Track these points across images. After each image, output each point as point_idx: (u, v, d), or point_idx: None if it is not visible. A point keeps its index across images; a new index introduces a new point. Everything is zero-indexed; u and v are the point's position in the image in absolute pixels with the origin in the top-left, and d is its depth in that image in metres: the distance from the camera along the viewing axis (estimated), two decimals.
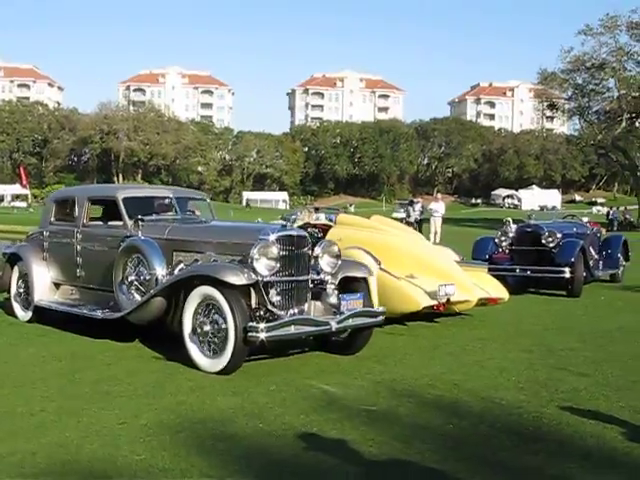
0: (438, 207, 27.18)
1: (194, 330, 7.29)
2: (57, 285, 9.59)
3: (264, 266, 7.20)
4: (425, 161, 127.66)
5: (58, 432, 5.27)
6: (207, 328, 7.16)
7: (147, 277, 7.94)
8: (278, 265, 7.27)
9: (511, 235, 14.28)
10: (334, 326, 7.30)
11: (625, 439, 5.28)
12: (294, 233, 7.67)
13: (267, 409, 5.92)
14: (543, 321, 10.29)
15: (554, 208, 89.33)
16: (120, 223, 8.85)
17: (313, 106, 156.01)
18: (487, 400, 6.24)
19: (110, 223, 9.27)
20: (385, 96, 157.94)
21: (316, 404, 6.05)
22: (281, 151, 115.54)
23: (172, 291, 7.72)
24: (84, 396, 6.25)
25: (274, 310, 7.23)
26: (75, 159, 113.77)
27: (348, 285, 7.93)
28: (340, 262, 7.92)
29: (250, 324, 6.86)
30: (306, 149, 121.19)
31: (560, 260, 13.32)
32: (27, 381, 6.74)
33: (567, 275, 13.10)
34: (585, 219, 17.31)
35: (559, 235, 13.76)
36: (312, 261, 7.72)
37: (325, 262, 7.83)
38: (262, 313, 7.20)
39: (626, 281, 15.53)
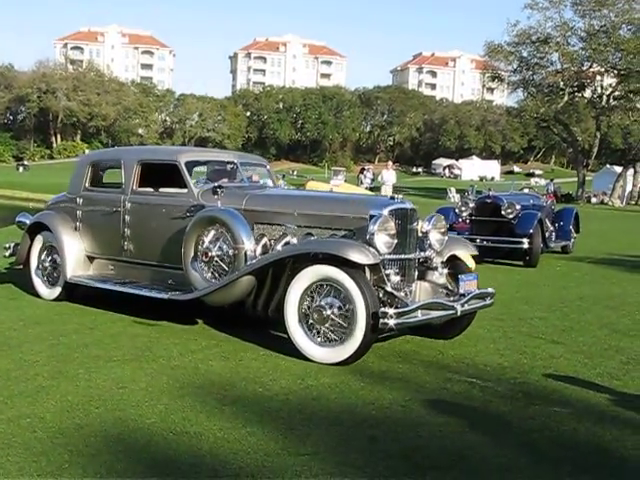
0: (389, 176, 27.42)
1: (302, 315, 6.49)
2: (91, 259, 8.66)
3: (383, 243, 6.51)
4: (367, 129, 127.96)
5: (59, 396, 5.28)
6: (327, 313, 6.30)
7: (231, 253, 7.09)
8: (395, 242, 6.65)
9: (471, 206, 14.56)
10: (459, 310, 6.72)
11: (610, 404, 5.55)
12: (407, 206, 7.00)
13: (262, 374, 6.01)
14: (509, 290, 10.56)
15: (493, 179, 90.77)
16: (179, 190, 7.99)
17: (255, 70, 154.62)
18: (473, 366, 6.44)
19: (164, 190, 8.37)
20: (328, 62, 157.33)
21: (309, 369, 6.17)
22: (223, 115, 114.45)
23: (266, 270, 6.94)
24: (75, 360, 6.25)
25: (394, 292, 6.59)
26: (11, 118, 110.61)
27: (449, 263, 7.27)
28: (447, 239, 7.33)
29: (382, 309, 6.16)
30: (248, 114, 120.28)
31: (519, 231, 13.67)
32: (12, 345, 6.70)
33: (525, 246, 13.48)
34: (526, 190, 17.77)
35: (518, 207, 14.08)
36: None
37: (434, 238, 7.18)
38: (381, 296, 6.52)
39: (576, 252, 16.02)
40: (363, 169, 30.94)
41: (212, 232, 7.21)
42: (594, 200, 48.77)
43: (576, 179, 51.67)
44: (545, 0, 44.02)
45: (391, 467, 4.22)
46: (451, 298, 6.93)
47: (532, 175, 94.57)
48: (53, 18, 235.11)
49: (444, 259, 7.24)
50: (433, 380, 6.02)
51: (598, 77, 46.89)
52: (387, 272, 6.63)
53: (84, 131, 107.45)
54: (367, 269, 6.46)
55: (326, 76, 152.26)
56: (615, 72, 44.08)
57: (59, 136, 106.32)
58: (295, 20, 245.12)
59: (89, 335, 7.18)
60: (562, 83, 46.25)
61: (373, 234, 6.47)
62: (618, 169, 52.19)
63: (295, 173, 36.04)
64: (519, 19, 74.99)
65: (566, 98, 46.50)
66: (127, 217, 8.19)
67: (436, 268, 7.16)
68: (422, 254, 7.10)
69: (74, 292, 8.63)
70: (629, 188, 50.78)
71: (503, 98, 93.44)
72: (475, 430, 4.89)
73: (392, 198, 7.09)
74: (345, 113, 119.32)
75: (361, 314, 6.12)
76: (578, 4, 43.31)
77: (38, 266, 8.92)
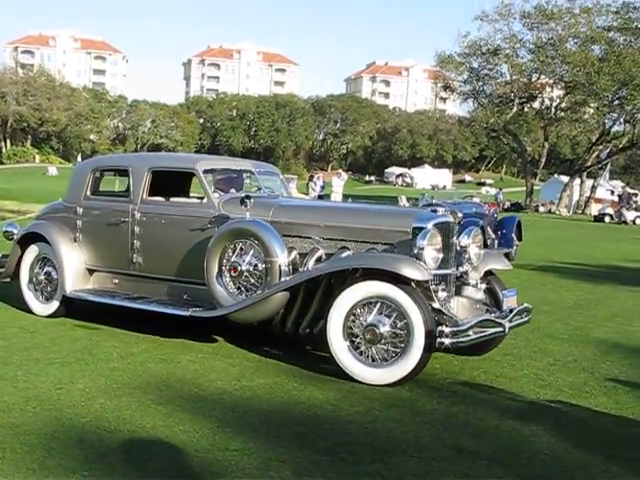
0: (339, 183, 27.70)
1: (348, 335, 6.20)
2: (91, 272, 8.14)
3: (431, 258, 6.28)
4: (321, 137, 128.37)
5: None
6: (380, 332, 6.03)
7: (261, 267, 6.71)
8: (441, 257, 6.44)
9: None
10: (507, 327, 6.51)
11: (532, 402, 5.81)
12: (449, 220, 6.78)
13: (199, 375, 6.16)
14: None
15: (445, 187, 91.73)
16: (195, 200, 7.84)
17: (209, 77, 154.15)
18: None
19: (176, 200, 8.03)
20: (282, 70, 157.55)
21: (245, 371, 6.33)
22: (176, 122, 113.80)
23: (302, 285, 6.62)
24: (15, 362, 6.33)
25: (442, 310, 6.32)
26: None
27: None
28: (483, 253, 7.11)
29: (439, 328, 5.93)
30: (202, 121, 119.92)
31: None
32: None
33: None
34: (476, 199, 18.14)
35: (460, 215, 14.34)
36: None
37: (473, 253, 6.92)
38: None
39: (518, 259, 16.39)
40: (312, 176, 31.14)
41: (240, 245, 6.83)
42: (542, 209, 49.65)
43: (524, 188, 52.52)
44: (495, 12, 44.90)
45: (317, 462, 4.40)
46: (494, 315, 6.72)
47: (483, 184, 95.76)
48: (2, 22, 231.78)
49: (481, 274, 7.04)
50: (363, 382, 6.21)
51: (547, 88, 47.82)
52: (434, 289, 6.38)
53: (34, 136, 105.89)
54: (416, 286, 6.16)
55: (280, 84, 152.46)
56: (562, 84, 45.00)
57: (9, 141, 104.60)
58: (249, 27, 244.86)
59: (30, 339, 7.24)
60: (512, 94, 47.08)
61: (423, 249, 6.21)
62: (565, 179, 53.21)
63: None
64: (470, 30, 76.05)
65: (515, 109, 47.36)
66: (136, 228, 7.69)
67: (474, 284, 6.95)
68: (460, 269, 6.87)
69: (71, 307, 8.15)
70: (576, 197, 51.80)
71: (455, 108, 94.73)
72: (401, 427, 5.11)
73: (434, 211, 6.89)
74: (298, 121, 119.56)
75: (418, 332, 5.88)
76: (526, 17, 44.16)
77: (30, 280, 8.36)
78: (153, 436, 4.72)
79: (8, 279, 8.69)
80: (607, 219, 39.83)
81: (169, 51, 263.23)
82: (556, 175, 63.45)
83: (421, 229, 6.36)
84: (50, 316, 8.10)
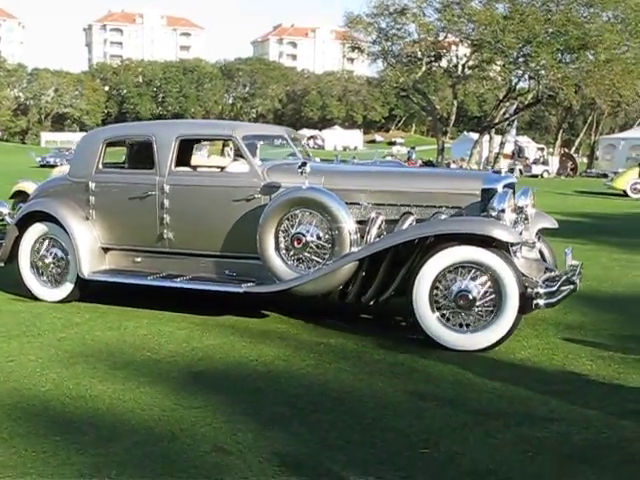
0: None
1: (435, 303, 6.06)
2: (105, 250, 7.60)
3: (510, 220, 6.27)
4: (230, 101, 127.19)
5: None
6: (473, 297, 5.91)
7: (327, 237, 6.45)
8: (514, 218, 6.49)
9: None
10: (578, 284, 6.61)
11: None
12: (515, 181, 6.92)
13: (148, 340, 6.28)
14: None
15: (356, 148, 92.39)
16: (236, 169, 7.35)
17: (112, 43, 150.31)
18: (349, 325, 6.92)
19: (206, 169, 7.75)
20: (187, 34, 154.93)
21: (193, 333, 6.49)
22: (81, 90, 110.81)
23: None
24: None
25: (522, 270, 6.17)
26: None
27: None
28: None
29: (535, 290, 5.93)
30: (107, 88, 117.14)
31: None
32: None
33: None
34: (394, 158, 18.49)
35: None
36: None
37: (529, 212, 7.00)
38: None
39: None
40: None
41: (299, 215, 6.51)
42: (453, 166, 50.52)
43: (436, 146, 53.39)
44: None
45: (278, 413, 4.63)
46: (556, 272, 6.84)
47: (394, 144, 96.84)
48: None
49: (535, 233, 7.12)
50: (310, 337, 6.46)
51: (453, 47, 48.51)
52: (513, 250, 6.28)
53: None
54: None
55: (186, 48, 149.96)
56: (469, 42, 45.70)
57: None
58: None
59: None
60: (420, 53, 47.55)
61: (503, 210, 6.15)
62: (475, 136, 54.37)
63: None
64: None
65: (424, 68, 47.88)
66: (166, 202, 7.18)
67: (530, 243, 6.84)
68: (517, 229, 6.65)
69: (86, 291, 7.66)
70: (485, 154, 53.03)
71: (363, 68, 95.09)
72: (352, 376, 5.38)
73: (497, 172, 6.97)
74: (207, 86, 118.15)
75: (512, 295, 5.85)
76: None
77: (33, 264, 7.74)
78: (116, 399, 4.85)
79: (2, 264, 8.01)
80: (517, 173, 41.01)
81: (68, 16, 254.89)
82: (466, 132, 64.86)
83: (490, 190, 6.40)
84: (62, 301, 7.59)
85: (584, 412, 4.74)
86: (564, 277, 6.54)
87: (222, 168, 7.75)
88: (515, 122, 53.81)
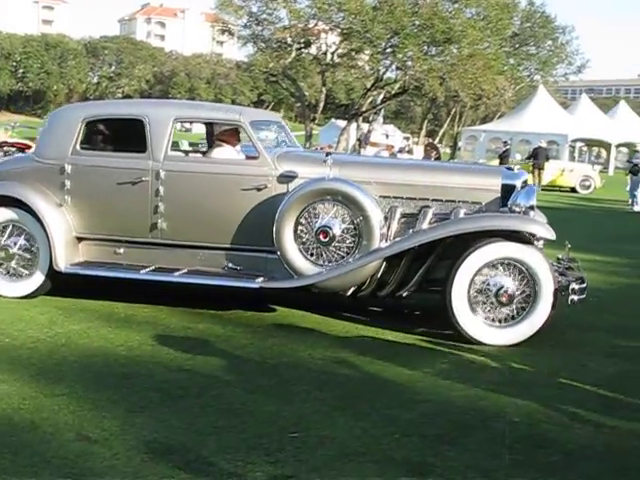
0: None
1: (471, 297, 6.03)
2: (79, 240, 6.89)
3: (534, 216, 6.38)
4: (95, 80, 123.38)
5: None
6: (512, 292, 5.96)
7: (353, 230, 6.24)
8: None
9: None
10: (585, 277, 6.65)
11: (342, 330, 6.23)
12: (526, 177, 7.01)
13: (7, 325, 5.99)
14: None
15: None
16: (231, 156, 6.92)
17: None
18: (215, 309, 6.85)
19: (195, 155, 7.28)
20: (50, 8, 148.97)
21: (55, 318, 6.27)
22: None
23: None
24: None
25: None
26: None
27: None
28: None
29: (572, 286, 6.11)
30: None
31: None
32: None
33: None
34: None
35: None
36: None
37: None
38: None
39: None
40: None
41: (321, 207, 6.25)
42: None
43: (304, 132, 53.71)
44: None
45: (146, 398, 4.52)
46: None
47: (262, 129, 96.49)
48: None
49: None
50: (178, 322, 6.36)
51: (323, 35, 48.82)
52: None
53: None
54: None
55: (48, 22, 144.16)
56: (339, 31, 46.11)
57: None
58: None
59: None
60: (290, 39, 47.55)
61: (532, 207, 6.29)
62: (342, 123, 54.98)
63: (17, 125, 34.05)
64: None
65: (294, 54, 47.92)
66: (162, 189, 6.62)
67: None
68: None
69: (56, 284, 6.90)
70: (352, 141, 53.76)
71: (233, 52, 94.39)
72: (221, 361, 5.34)
73: (509, 169, 6.96)
74: (70, 63, 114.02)
75: (547, 291, 5.95)
76: None
77: None
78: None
79: None
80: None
81: None
82: (333, 119, 65.46)
83: (509, 186, 6.43)
84: (28, 297, 6.80)
85: (449, 394, 4.89)
86: (581, 275, 6.55)
87: (203, 153, 7.30)
88: (382, 111, 54.87)
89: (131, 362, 5.21)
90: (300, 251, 6.32)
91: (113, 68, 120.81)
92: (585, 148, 56.85)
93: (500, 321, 6.08)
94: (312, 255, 6.32)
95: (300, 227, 6.29)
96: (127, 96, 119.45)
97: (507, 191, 6.46)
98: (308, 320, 6.59)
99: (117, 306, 6.71)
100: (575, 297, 6.15)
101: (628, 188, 22.73)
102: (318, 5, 43.42)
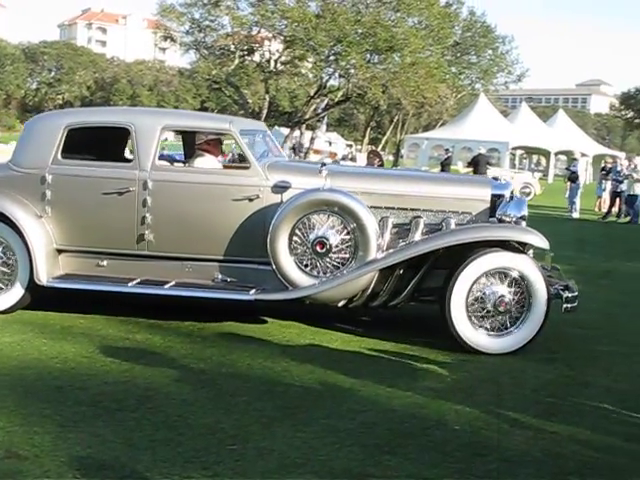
0: None
1: (469, 306, 6.08)
2: (59, 252, 6.61)
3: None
4: (34, 86, 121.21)
5: None
6: (508, 301, 6.05)
7: (349, 241, 6.23)
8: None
9: None
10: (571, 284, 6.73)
11: (282, 340, 6.17)
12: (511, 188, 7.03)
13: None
14: None
15: (167, 139, 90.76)
16: (216, 165, 6.83)
17: None
18: (153, 319, 6.73)
19: (193, 166, 6.90)
20: None
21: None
22: None
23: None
24: None
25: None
26: None
27: None
28: None
29: (564, 294, 6.23)
30: None
31: None
32: None
33: None
34: None
35: None
36: None
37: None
38: None
39: None
40: None
41: (316, 218, 6.22)
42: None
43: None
44: None
45: (80, 413, 4.39)
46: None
47: None
48: None
49: None
50: (115, 332, 6.21)
51: (267, 42, 48.78)
52: None
53: None
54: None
55: None
56: (282, 38, 46.12)
57: None
58: None
59: None
60: (233, 46, 47.42)
61: (524, 218, 6.41)
62: (285, 130, 55.00)
63: None
64: None
65: (237, 61, 47.80)
66: (149, 199, 6.41)
67: None
68: None
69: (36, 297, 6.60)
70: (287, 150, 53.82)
71: (176, 59, 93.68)
72: (159, 372, 5.22)
73: (496, 179, 6.99)
74: (8, 68, 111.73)
75: (541, 299, 6.02)
76: None
77: None
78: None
79: None
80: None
81: None
82: (277, 127, 65.43)
83: (499, 197, 6.53)
84: (5, 312, 6.48)
85: (390, 402, 4.87)
86: (570, 282, 6.63)
87: (184, 163, 7.08)
88: (325, 118, 55.05)
89: (65, 375, 5.07)
90: (295, 262, 6.26)
91: (53, 74, 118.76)
92: (525, 156, 57.92)
93: (497, 329, 6.13)
94: (306, 266, 6.28)
95: (295, 238, 6.25)
96: (67, 102, 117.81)
97: (495, 201, 6.57)
98: (248, 329, 6.50)
99: (52, 317, 6.53)
100: (568, 305, 6.24)
101: (567, 195, 23.12)
102: (261, 12, 43.42)
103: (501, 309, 6.05)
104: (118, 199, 6.47)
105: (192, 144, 7.39)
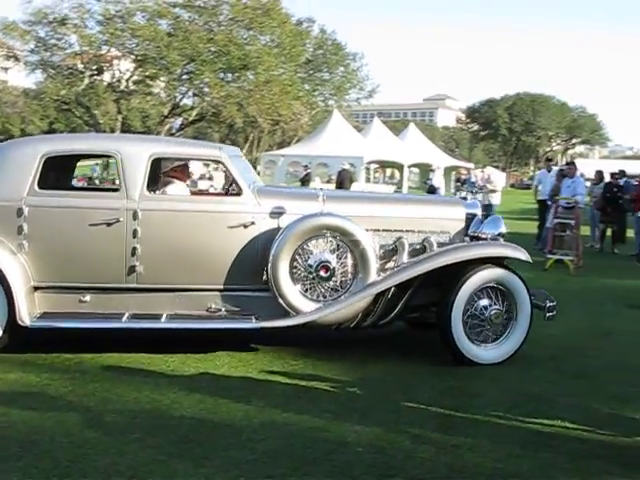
0: None
1: (466, 322, 6.33)
2: (34, 289, 6.19)
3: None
4: None
5: None
6: (500, 313, 6.43)
7: (350, 265, 6.37)
8: None
9: None
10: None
11: (200, 369, 5.92)
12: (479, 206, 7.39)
13: None
14: None
15: None
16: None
17: None
18: (40, 359, 6.33)
19: (179, 194, 6.74)
20: None
21: None
22: None
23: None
24: None
25: None
26: None
27: None
28: None
29: (549, 304, 6.65)
30: None
31: None
32: None
33: None
34: None
35: None
36: None
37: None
38: None
39: None
40: None
41: (314, 242, 6.33)
42: None
43: (101, 162, 52.20)
44: None
45: None
46: None
47: None
48: None
49: None
50: None
51: (116, 61, 47.77)
52: None
53: None
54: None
55: None
56: (133, 57, 45.32)
57: None
58: None
59: None
60: (81, 66, 46.15)
61: (504, 235, 6.85)
62: None
63: None
64: None
65: (87, 81, 46.54)
66: (139, 230, 6.17)
67: None
68: None
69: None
70: None
71: (20, 79, 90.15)
72: (40, 414, 4.87)
73: (464, 199, 7.40)
74: None
75: (526, 310, 6.43)
76: None
77: None
78: None
79: None
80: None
81: None
82: None
83: (472, 215, 6.97)
84: None
85: (289, 428, 4.75)
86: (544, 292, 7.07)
87: (154, 190, 6.71)
88: (180, 139, 54.41)
89: None
90: (296, 288, 6.29)
91: None
92: (379, 169, 59.31)
93: (488, 341, 6.47)
94: (306, 291, 6.34)
95: (295, 263, 6.30)
96: None
97: (468, 220, 7.00)
98: (130, 360, 6.21)
99: None
100: (550, 314, 6.68)
101: None
102: (110, 31, 42.49)
103: (497, 321, 6.40)
104: (106, 230, 6.18)
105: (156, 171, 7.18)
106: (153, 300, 6.33)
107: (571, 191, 13.95)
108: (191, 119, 48.60)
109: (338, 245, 6.37)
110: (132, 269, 6.23)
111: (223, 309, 6.34)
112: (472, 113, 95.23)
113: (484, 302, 6.39)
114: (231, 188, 6.85)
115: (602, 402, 5.54)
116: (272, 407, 5.13)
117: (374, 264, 6.36)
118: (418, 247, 6.77)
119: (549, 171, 17.23)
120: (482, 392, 5.67)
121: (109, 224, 6.17)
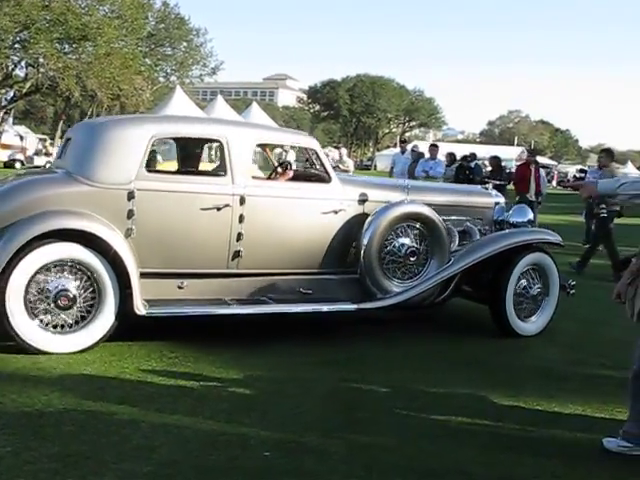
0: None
1: (514, 300, 7.02)
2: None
3: None
4: None
5: None
6: (536, 293, 7.17)
7: (426, 249, 6.94)
8: None
9: None
10: None
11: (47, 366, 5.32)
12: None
13: None
14: None
15: None
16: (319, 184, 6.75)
17: None
18: None
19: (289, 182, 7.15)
20: None
21: None
22: None
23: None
24: None
25: None
26: None
27: None
28: None
29: (571, 282, 7.37)
30: None
31: None
32: None
33: None
34: None
35: None
36: None
37: None
38: None
39: None
40: None
41: (401, 229, 6.80)
42: None
43: None
44: None
45: None
46: None
47: None
48: None
49: None
50: None
51: None
52: None
53: None
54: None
55: None
56: None
57: None
58: None
59: None
60: None
61: (532, 221, 7.81)
62: None
63: None
64: None
65: None
66: (246, 215, 6.14)
67: None
68: None
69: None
70: None
71: None
72: None
73: (485, 188, 8.09)
74: None
75: (555, 288, 7.26)
76: None
77: (29, 303, 5.53)
78: None
79: None
80: (18, 165, 39.11)
81: None
82: None
83: (497, 203, 7.77)
84: (83, 351, 5.67)
85: (181, 432, 4.31)
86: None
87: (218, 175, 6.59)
88: (12, 111, 51.50)
89: None
90: (385, 271, 6.70)
91: None
92: None
93: (529, 316, 7.20)
94: (393, 274, 6.77)
95: (385, 249, 6.70)
96: None
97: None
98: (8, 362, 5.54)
99: None
100: (573, 291, 7.39)
101: None
102: None
103: (539, 298, 7.18)
104: (215, 215, 6.10)
105: (191, 154, 7.46)
106: (251, 285, 6.34)
107: (429, 168, 14.45)
108: (25, 91, 46.00)
109: (419, 231, 6.84)
110: (236, 254, 6.22)
111: (311, 292, 6.46)
112: (313, 94, 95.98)
113: (524, 282, 7.08)
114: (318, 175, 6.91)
115: (496, 392, 5.46)
116: (158, 409, 4.66)
117: (447, 248, 6.91)
118: (462, 231, 7.40)
119: (403, 152, 17.43)
120: (378, 383, 5.44)
121: (219, 209, 6.10)
